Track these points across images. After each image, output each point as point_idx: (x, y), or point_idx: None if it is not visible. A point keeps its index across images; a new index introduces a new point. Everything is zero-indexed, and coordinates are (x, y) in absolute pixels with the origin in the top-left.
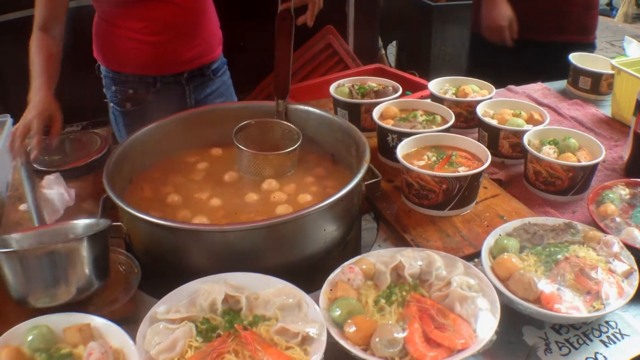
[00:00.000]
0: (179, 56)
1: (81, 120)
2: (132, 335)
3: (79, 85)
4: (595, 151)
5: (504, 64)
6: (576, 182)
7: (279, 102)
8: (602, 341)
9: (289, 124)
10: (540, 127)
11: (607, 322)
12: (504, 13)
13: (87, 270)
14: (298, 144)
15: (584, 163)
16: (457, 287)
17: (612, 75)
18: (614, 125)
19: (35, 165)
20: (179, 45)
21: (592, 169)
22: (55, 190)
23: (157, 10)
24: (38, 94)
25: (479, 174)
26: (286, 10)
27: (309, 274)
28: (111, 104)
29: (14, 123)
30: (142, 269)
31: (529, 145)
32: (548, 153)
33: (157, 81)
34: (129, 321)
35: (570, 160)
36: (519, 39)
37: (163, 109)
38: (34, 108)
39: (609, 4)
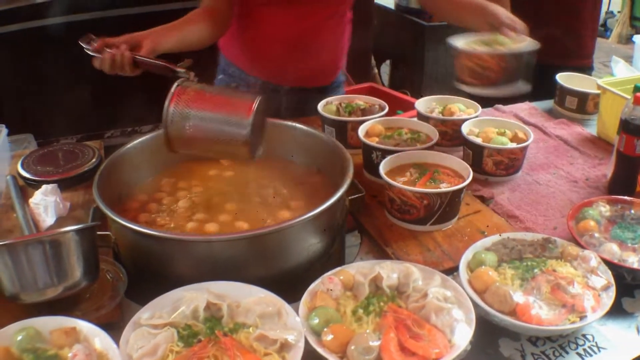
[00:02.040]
0: (286, 72)
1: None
2: (117, 340)
3: None
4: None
5: None
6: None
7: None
8: (578, 354)
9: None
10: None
11: (584, 335)
12: None
13: (74, 265)
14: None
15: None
16: (433, 298)
17: (598, 95)
18: (598, 144)
19: (28, 175)
20: (291, 62)
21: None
22: (52, 199)
23: (289, 22)
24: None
25: (460, 191)
26: None
27: (292, 285)
28: None
29: (9, 133)
30: (129, 277)
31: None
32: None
33: (258, 84)
34: (115, 327)
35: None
36: None
37: None
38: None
39: (604, 25)
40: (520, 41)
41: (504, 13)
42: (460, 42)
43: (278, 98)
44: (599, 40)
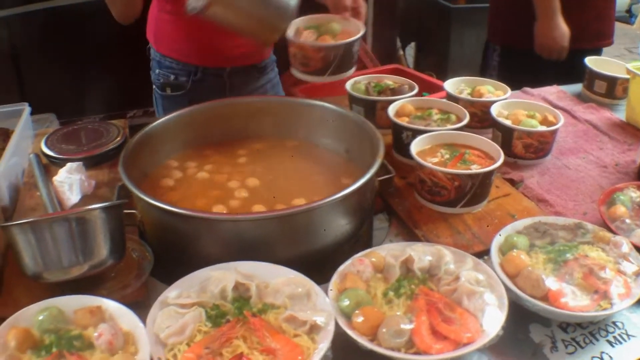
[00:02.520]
0: (222, 52)
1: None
2: (143, 319)
3: None
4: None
5: (534, 73)
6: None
7: None
8: (608, 341)
9: None
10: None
11: (614, 323)
12: (565, 32)
13: (100, 243)
14: None
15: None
16: (465, 281)
17: (627, 80)
18: (627, 130)
19: (52, 153)
20: (224, 41)
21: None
22: (77, 177)
23: None
24: None
25: (491, 172)
26: None
27: (320, 266)
28: (154, 86)
29: (32, 113)
30: (154, 256)
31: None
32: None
33: (199, 71)
34: (141, 306)
35: None
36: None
37: (201, 99)
38: None
39: (628, 11)
40: (354, 27)
41: None
42: (292, 26)
43: (221, 83)
44: (624, 26)
